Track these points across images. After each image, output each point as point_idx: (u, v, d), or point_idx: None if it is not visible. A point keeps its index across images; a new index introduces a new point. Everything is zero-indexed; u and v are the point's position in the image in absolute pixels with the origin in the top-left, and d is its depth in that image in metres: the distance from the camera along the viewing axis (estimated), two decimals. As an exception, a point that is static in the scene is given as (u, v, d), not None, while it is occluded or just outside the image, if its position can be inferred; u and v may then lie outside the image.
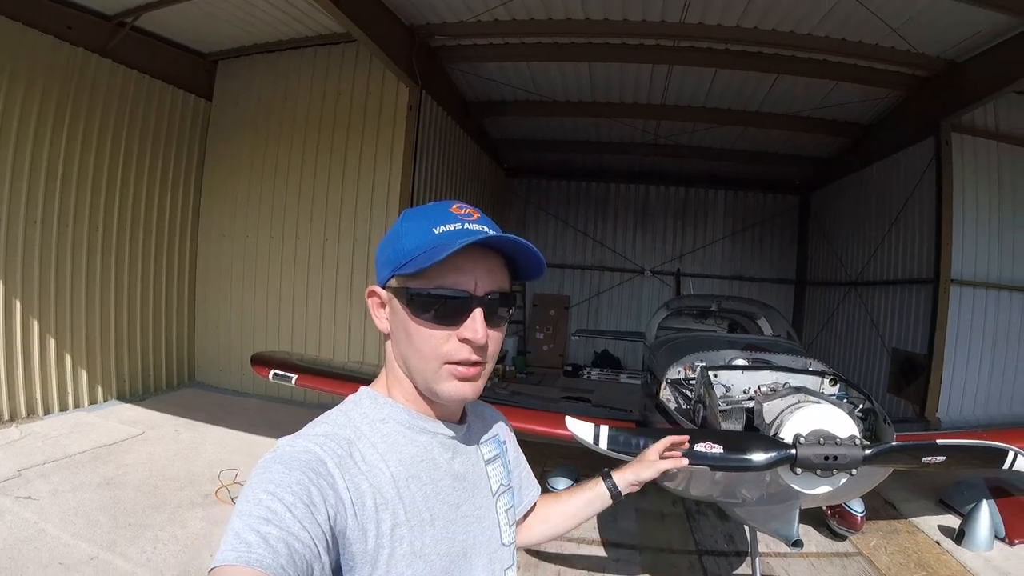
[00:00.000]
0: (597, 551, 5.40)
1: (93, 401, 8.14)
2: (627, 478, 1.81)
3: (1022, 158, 9.54)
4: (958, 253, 9.27)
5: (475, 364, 1.21)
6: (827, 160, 13.56)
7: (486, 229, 1.21)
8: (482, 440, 1.44)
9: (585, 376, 14.90)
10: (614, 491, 1.79)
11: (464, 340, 1.18)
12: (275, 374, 5.75)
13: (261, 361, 6.11)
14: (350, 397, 1.29)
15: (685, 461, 1.90)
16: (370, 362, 8.96)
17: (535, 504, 1.73)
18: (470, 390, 1.22)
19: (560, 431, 2.98)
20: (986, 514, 5.77)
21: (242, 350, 9.20)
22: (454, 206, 1.24)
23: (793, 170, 14.71)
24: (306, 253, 9.34)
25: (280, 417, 8.24)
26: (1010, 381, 9.72)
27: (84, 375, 8.01)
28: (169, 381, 9.54)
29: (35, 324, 7.32)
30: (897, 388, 10.41)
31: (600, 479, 1.82)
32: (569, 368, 15.31)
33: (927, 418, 8.79)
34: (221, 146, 9.81)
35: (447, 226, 1.18)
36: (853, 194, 12.82)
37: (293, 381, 5.75)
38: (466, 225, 1.19)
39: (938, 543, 5.89)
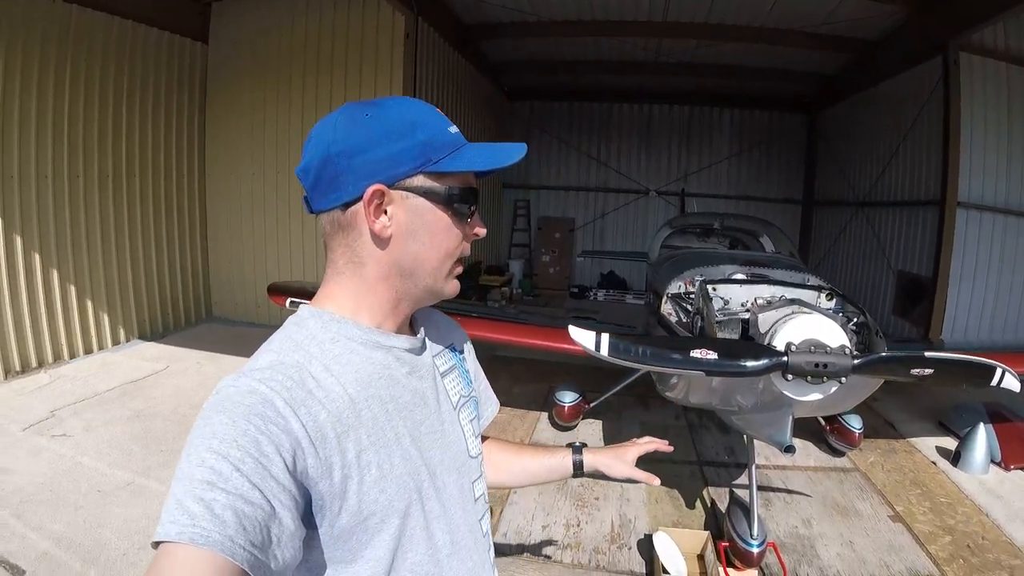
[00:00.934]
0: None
1: (116, 342, 8.31)
2: (598, 462, 1.79)
3: None
4: (965, 176, 9.15)
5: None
6: (834, 77, 13.24)
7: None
8: (437, 352, 1.37)
9: (591, 297, 15.01)
10: (578, 467, 1.77)
11: (474, 235, 1.22)
12: (291, 302, 5.84)
13: (277, 290, 6.15)
14: (291, 318, 1.18)
15: (657, 480, 1.83)
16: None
17: (492, 420, 1.65)
18: (459, 285, 1.27)
19: (566, 344, 3.01)
20: (983, 438, 5.83)
21: (256, 283, 9.51)
22: (434, 106, 1.20)
23: (800, 88, 14.39)
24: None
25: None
26: (1015, 305, 9.74)
27: (106, 318, 8.16)
28: (188, 318, 9.72)
29: (55, 274, 7.44)
30: (902, 310, 10.46)
31: (569, 451, 1.79)
32: (575, 290, 15.44)
33: (931, 340, 8.81)
34: (221, 88, 9.79)
35: (452, 128, 1.16)
36: (861, 113, 12.64)
37: None
38: (456, 128, 1.19)
39: (934, 463, 5.98)
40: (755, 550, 3.91)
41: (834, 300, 4.02)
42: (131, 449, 5.12)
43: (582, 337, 2.86)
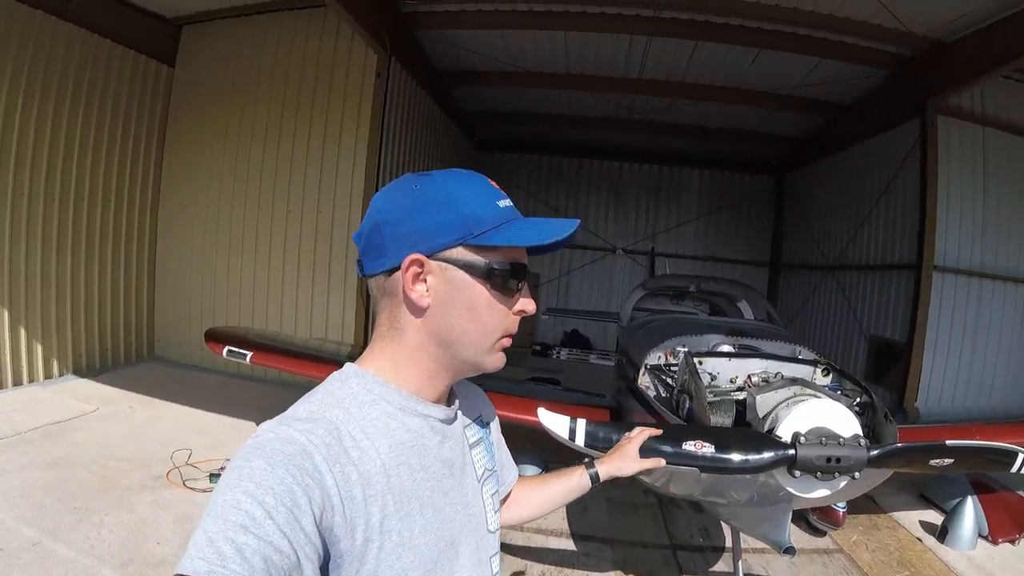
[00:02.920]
0: (566, 544, 5.19)
1: (49, 375, 7.85)
2: (608, 470, 1.83)
3: (1008, 144, 9.45)
4: (942, 239, 9.16)
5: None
6: (805, 140, 13.46)
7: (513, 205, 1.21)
8: (467, 423, 1.36)
9: (554, 356, 14.73)
10: (595, 480, 1.79)
11: (519, 312, 1.21)
12: (229, 351, 5.52)
13: (215, 337, 5.88)
14: (335, 374, 1.17)
15: (663, 462, 1.90)
16: (332, 339, 8.85)
17: (514, 483, 1.68)
18: (504, 360, 1.24)
19: (529, 417, 2.69)
20: (971, 512, 5.66)
21: (202, 324, 8.83)
22: (488, 179, 1.21)
23: (770, 150, 14.66)
24: (268, 226, 9.09)
25: (240, 394, 8.06)
26: (990, 371, 9.74)
27: (39, 349, 7.70)
28: (128, 355, 9.25)
29: None
30: (875, 376, 10.34)
31: (583, 468, 1.80)
32: (538, 347, 15.14)
33: (905, 409, 8.63)
34: (184, 114, 9.46)
35: (503, 201, 1.16)
36: (832, 176, 12.77)
37: (248, 359, 5.53)
38: (510, 202, 1.19)
39: (920, 539, 5.79)
40: None
41: (830, 376, 3.71)
42: (43, 502, 4.68)
43: (554, 423, 2.53)
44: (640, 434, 2.01)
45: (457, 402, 1.31)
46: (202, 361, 9.20)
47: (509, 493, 1.67)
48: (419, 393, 1.18)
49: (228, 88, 9.17)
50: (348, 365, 1.19)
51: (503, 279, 1.13)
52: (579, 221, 1.19)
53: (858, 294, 11.39)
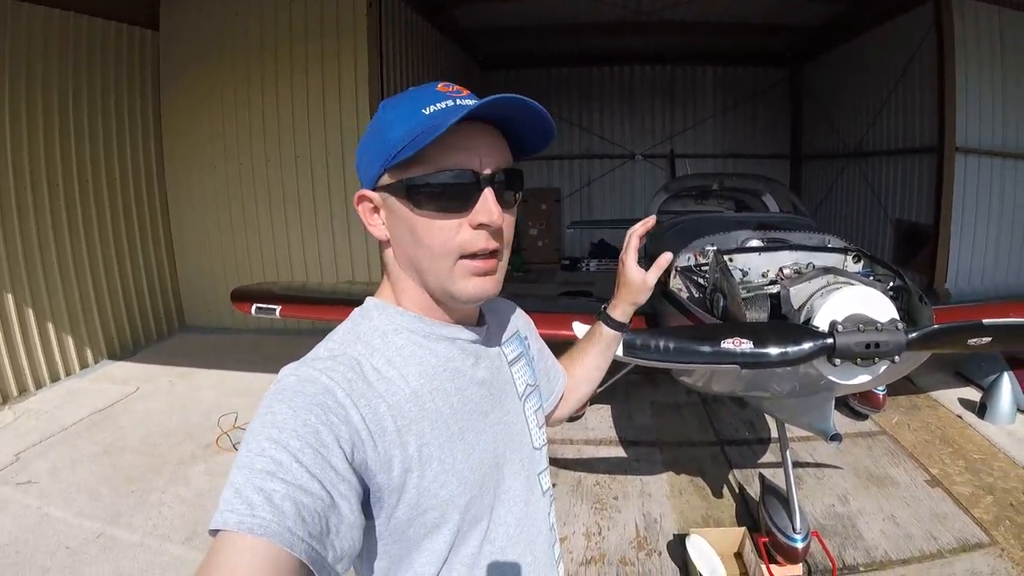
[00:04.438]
0: (616, 451, 5.31)
1: (84, 365, 7.75)
2: (624, 310, 1.65)
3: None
4: (962, 121, 9.01)
5: (492, 255, 1.10)
6: (818, 29, 13.05)
7: (466, 103, 1.05)
8: (504, 340, 1.34)
9: (584, 268, 14.73)
10: (618, 326, 1.66)
11: (480, 226, 1.06)
12: (257, 308, 5.45)
13: (241, 296, 5.79)
14: (356, 311, 1.18)
15: (669, 256, 1.61)
16: (360, 279, 8.81)
17: (564, 388, 1.63)
18: (492, 285, 1.13)
19: (566, 332, 2.71)
20: (1008, 387, 5.73)
21: (227, 286, 8.62)
22: (439, 84, 1.09)
23: (783, 41, 14.17)
24: (279, 175, 8.96)
25: (274, 349, 8.05)
26: (1018, 249, 9.67)
27: (70, 340, 7.58)
28: (159, 330, 9.15)
29: (9, 298, 6.86)
30: (902, 259, 10.30)
31: (600, 323, 1.67)
32: (567, 262, 15.16)
33: (936, 290, 8.62)
34: (175, 77, 9.18)
35: (437, 105, 1.04)
36: (847, 64, 12.52)
37: (277, 312, 5.45)
38: (458, 101, 1.05)
39: (960, 417, 5.89)
40: (799, 545, 3.59)
41: (861, 263, 3.70)
42: (100, 492, 4.74)
43: None
44: (630, 243, 1.64)
45: (487, 321, 1.30)
46: (233, 323, 9.18)
47: (562, 395, 1.63)
48: (439, 318, 1.17)
49: (216, 43, 8.90)
50: (368, 299, 1.20)
51: (432, 193, 1.04)
52: (503, 96, 1.01)
53: (881, 180, 11.29)
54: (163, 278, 9.30)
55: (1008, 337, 2.75)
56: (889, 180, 11.02)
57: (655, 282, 1.59)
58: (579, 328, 2.54)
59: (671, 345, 2.57)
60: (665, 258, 1.59)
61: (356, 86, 8.53)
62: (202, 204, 9.31)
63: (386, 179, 1.08)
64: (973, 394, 6.18)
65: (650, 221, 1.64)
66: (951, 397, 6.26)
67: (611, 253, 15.11)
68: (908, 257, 10.21)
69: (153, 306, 9.05)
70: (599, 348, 1.67)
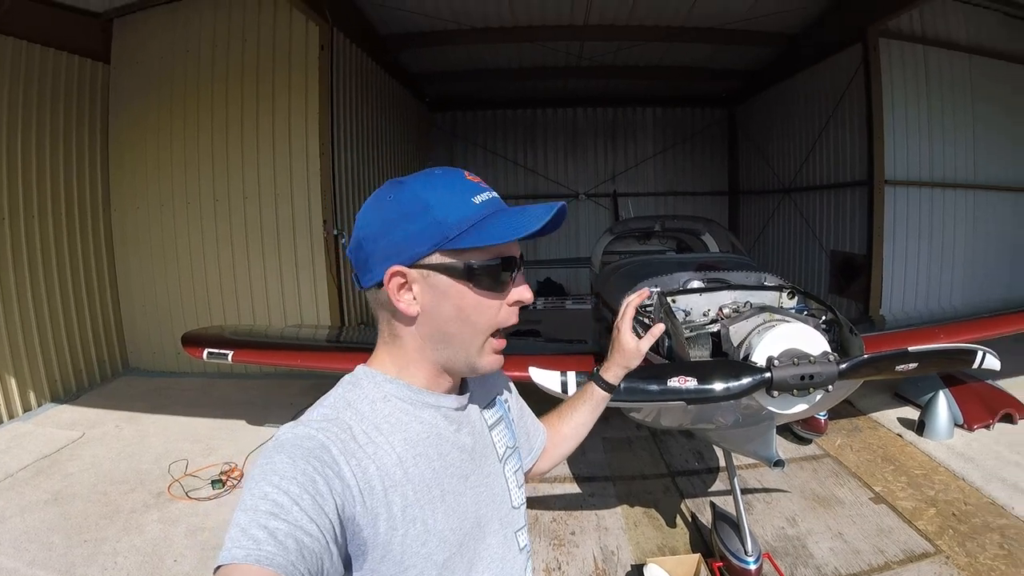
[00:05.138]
0: (571, 488, 5.41)
1: (27, 408, 7.45)
2: (616, 372, 1.80)
3: (948, 61, 9.79)
4: (891, 154, 9.53)
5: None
6: (753, 72, 13.65)
7: (497, 195, 1.21)
8: (484, 405, 1.41)
9: (531, 307, 14.76)
10: (608, 387, 1.79)
11: (515, 303, 1.21)
12: (209, 353, 5.46)
13: (192, 340, 5.81)
14: (345, 378, 1.24)
15: (661, 328, 1.84)
16: (308, 322, 8.78)
17: (544, 444, 1.71)
18: (502, 360, 1.26)
19: (520, 374, 2.87)
20: (944, 404, 6.05)
21: (173, 328, 8.60)
22: (466, 173, 1.21)
23: (720, 83, 14.79)
24: (227, 215, 8.83)
25: (224, 394, 7.97)
26: (948, 274, 10.22)
27: (13, 382, 7.29)
28: (103, 373, 8.84)
29: None
30: (839, 289, 10.79)
31: (592, 383, 1.81)
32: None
33: (872, 317, 9.06)
34: (125, 111, 9.00)
35: (481, 195, 1.16)
36: (781, 103, 13.06)
37: (229, 358, 5.50)
38: (492, 193, 1.19)
39: (900, 435, 6.19)
40: (752, 567, 3.78)
41: (796, 299, 3.93)
42: (52, 542, 4.57)
43: (546, 379, 2.70)
44: (626, 312, 1.83)
45: (470, 388, 1.36)
46: (179, 367, 8.95)
47: (542, 451, 1.71)
48: (428, 386, 1.23)
49: (168, 79, 8.82)
50: (359, 367, 1.25)
51: (488, 276, 1.15)
52: (562, 204, 1.19)
53: (815, 213, 11.75)
54: (107, 319, 9.01)
55: (934, 361, 2.99)
56: (823, 213, 11.45)
57: (648, 349, 1.77)
58: (535, 372, 2.72)
59: (622, 385, 2.74)
60: (658, 328, 1.80)
61: (307, 127, 8.54)
62: (147, 243, 9.06)
63: (437, 259, 1.12)
64: (912, 413, 6.50)
65: (644, 293, 1.88)
66: (891, 417, 6.57)
67: (556, 291, 15.38)
68: (844, 286, 10.62)
69: (97, 347, 8.76)
70: (589, 407, 1.79)
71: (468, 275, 1.13)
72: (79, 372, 8.37)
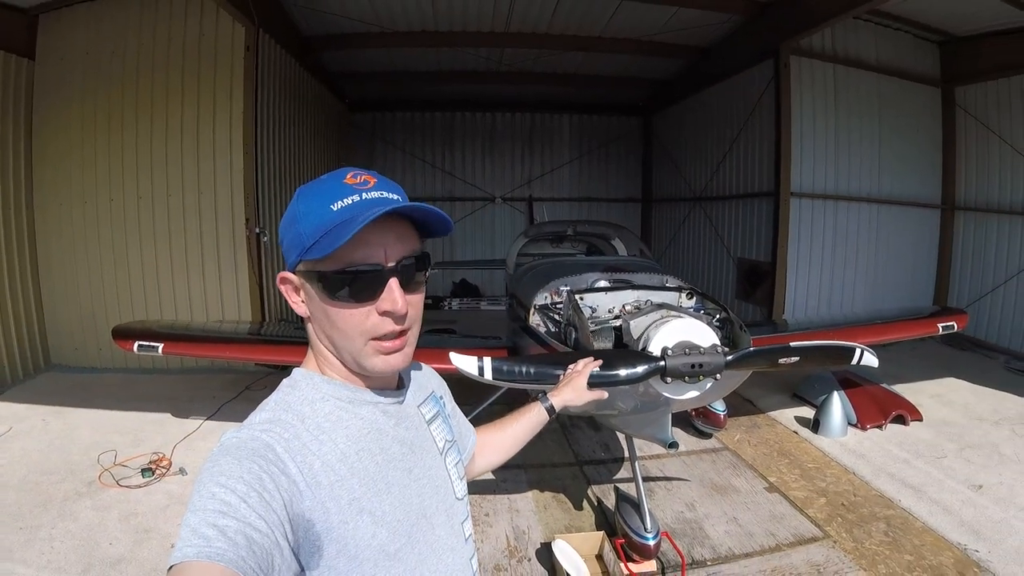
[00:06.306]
0: (485, 476, 5.54)
1: None
2: (561, 400, 2.08)
3: (855, 78, 10.21)
4: (797, 167, 9.91)
5: (399, 335, 1.23)
6: (668, 82, 14.04)
7: (384, 194, 1.20)
8: (421, 401, 1.46)
9: (446, 307, 14.93)
10: (551, 411, 2.02)
11: (384, 313, 1.19)
12: (140, 345, 5.50)
13: (123, 334, 5.81)
14: (285, 381, 1.28)
15: (605, 395, 2.21)
16: (230, 318, 8.81)
17: (475, 445, 1.79)
18: (400, 360, 1.25)
19: (442, 365, 3.05)
20: (838, 404, 6.44)
21: (95, 324, 8.73)
22: (348, 175, 1.20)
23: (636, 93, 15.19)
24: (150, 212, 8.77)
25: (147, 389, 7.95)
26: (850, 281, 10.70)
27: None
28: (25, 369, 8.61)
29: None
30: (745, 294, 11.18)
31: (538, 403, 2.01)
32: (429, 301, 15.07)
33: (775, 321, 9.42)
34: (49, 107, 8.83)
35: (344, 200, 1.15)
36: (694, 114, 13.39)
37: (160, 350, 5.57)
38: (364, 195, 1.17)
39: (796, 432, 6.57)
40: (651, 542, 4.12)
41: (694, 299, 4.26)
42: None
43: (464, 363, 2.88)
44: (585, 367, 2.30)
45: (406, 384, 1.42)
46: (100, 362, 8.93)
47: (473, 453, 1.78)
48: (360, 384, 1.29)
49: (93, 76, 8.71)
50: (296, 370, 1.29)
51: (341, 285, 1.16)
52: (399, 200, 1.19)
53: (724, 222, 12.12)
54: (29, 314, 8.83)
55: (815, 357, 3.27)
56: (731, 222, 11.84)
57: (593, 396, 2.21)
58: (455, 357, 2.92)
59: (531, 370, 2.97)
60: (599, 394, 2.27)
61: (231, 124, 8.56)
62: (71, 239, 8.93)
63: (302, 267, 1.19)
64: (808, 412, 6.89)
65: (594, 363, 2.35)
66: (788, 416, 6.98)
67: (472, 292, 15.58)
68: (750, 292, 11.03)
69: (19, 344, 8.56)
70: (529, 425, 1.97)
71: (323, 284, 1.17)
72: (1, 368, 8.17)
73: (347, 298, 1.17)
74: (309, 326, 1.28)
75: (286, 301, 1.26)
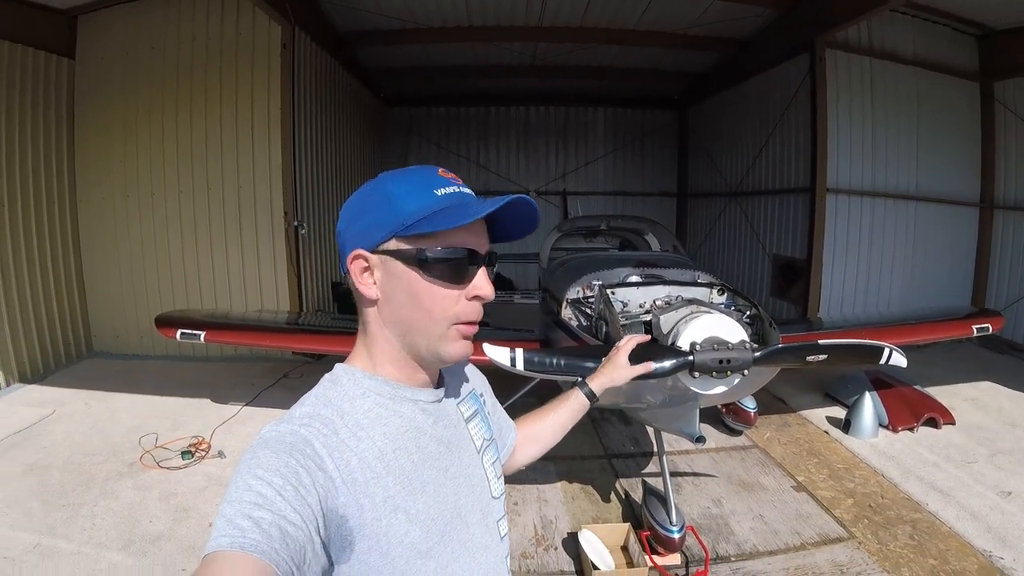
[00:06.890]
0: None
1: None
2: (601, 383, 2.04)
3: (893, 73, 10.01)
4: (833, 163, 9.74)
5: (476, 322, 1.26)
6: (704, 75, 13.91)
7: (471, 192, 1.25)
8: (460, 399, 1.45)
9: (481, 301, 14.92)
10: (592, 397, 1.99)
11: (474, 298, 1.23)
12: (182, 333, 5.65)
13: (166, 322, 5.97)
14: (326, 376, 1.27)
15: (653, 365, 2.20)
16: (269, 308, 8.98)
17: (515, 441, 1.78)
18: (472, 347, 1.28)
19: (476, 356, 3.10)
20: (870, 404, 6.35)
21: (137, 313, 9.03)
22: (439, 169, 1.24)
23: (671, 86, 15.07)
24: (190, 204, 9.01)
25: (187, 375, 8.17)
26: (886, 280, 10.49)
27: None
28: (68, 355, 8.94)
29: None
30: (780, 291, 11.07)
31: (577, 388, 1.99)
32: (468, 295, 15.24)
33: (809, 318, 9.35)
34: (90, 105, 9.07)
35: (445, 188, 1.19)
36: (730, 108, 13.24)
37: (202, 338, 5.71)
38: (460, 188, 1.22)
39: (826, 432, 6.49)
40: (676, 535, 4.16)
41: (725, 295, 4.27)
42: (31, 507, 4.80)
43: (497, 354, 2.92)
44: (628, 342, 2.22)
45: (446, 382, 1.40)
46: (141, 349, 9.20)
47: (514, 448, 1.77)
48: (404, 380, 1.27)
49: (132, 75, 8.93)
50: (338, 365, 1.28)
51: (440, 265, 1.17)
52: (520, 196, 1.21)
53: (759, 217, 11.99)
54: (72, 304, 9.13)
55: (843, 355, 3.24)
56: (767, 218, 11.71)
57: (636, 375, 2.17)
58: (488, 348, 2.96)
59: (562, 362, 3.02)
60: (646, 366, 2.21)
61: (269, 120, 8.72)
62: (113, 231, 9.21)
63: (393, 245, 1.17)
64: (840, 412, 6.79)
65: (645, 337, 2.28)
66: (819, 415, 6.90)
67: (506, 286, 15.55)
68: (785, 289, 10.91)
69: (63, 331, 8.86)
70: (570, 411, 1.93)
71: (420, 262, 1.16)
72: (46, 355, 8.47)
73: (445, 278, 1.18)
74: (370, 312, 1.25)
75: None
